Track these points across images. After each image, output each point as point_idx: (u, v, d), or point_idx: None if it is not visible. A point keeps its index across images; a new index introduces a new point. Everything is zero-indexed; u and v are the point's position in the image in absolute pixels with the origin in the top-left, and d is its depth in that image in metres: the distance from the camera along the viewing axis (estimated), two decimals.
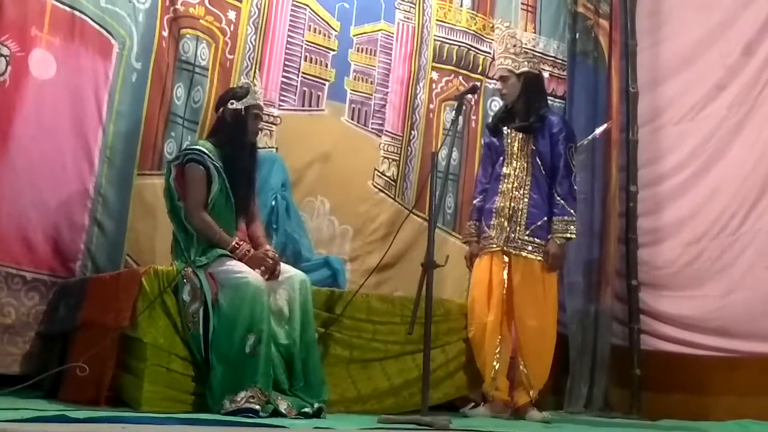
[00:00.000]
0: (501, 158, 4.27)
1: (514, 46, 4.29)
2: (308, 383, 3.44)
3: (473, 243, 4.30)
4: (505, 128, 4.27)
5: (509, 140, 4.26)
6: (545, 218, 4.12)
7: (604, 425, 4.20)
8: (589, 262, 5.09)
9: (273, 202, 4.19)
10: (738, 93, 4.97)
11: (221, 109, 3.71)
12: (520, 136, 4.22)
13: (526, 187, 4.17)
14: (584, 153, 5.07)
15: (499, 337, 4.09)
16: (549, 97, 4.75)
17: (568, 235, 4.10)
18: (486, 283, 4.16)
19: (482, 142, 4.73)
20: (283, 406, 3.25)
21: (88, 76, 3.99)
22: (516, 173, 4.20)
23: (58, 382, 3.52)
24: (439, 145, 4.87)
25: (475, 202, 4.40)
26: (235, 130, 3.65)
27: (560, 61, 5.42)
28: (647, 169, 5.33)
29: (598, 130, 4.93)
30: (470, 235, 4.34)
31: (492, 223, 4.20)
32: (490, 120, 4.61)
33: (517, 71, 4.22)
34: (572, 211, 4.12)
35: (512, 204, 4.16)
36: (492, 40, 4.98)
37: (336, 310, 3.84)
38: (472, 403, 4.17)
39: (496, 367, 4.06)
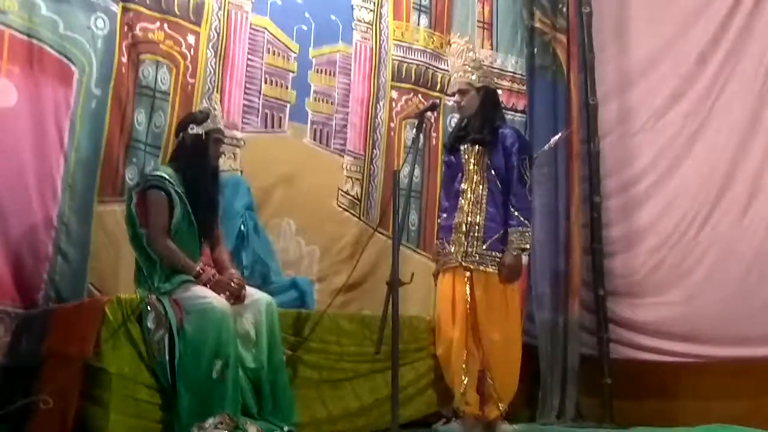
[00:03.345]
0: (460, 175, 4.30)
1: (473, 60, 4.34)
2: (277, 406, 3.43)
3: (439, 260, 4.33)
4: (461, 145, 4.30)
5: (466, 156, 4.28)
6: (502, 231, 4.14)
7: None
8: (555, 273, 5.12)
9: (242, 227, 4.17)
10: (694, 102, 5.04)
11: (181, 135, 3.70)
12: (476, 151, 4.25)
13: (483, 202, 4.19)
14: (547, 165, 5.11)
15: (466, 351, 4.11)
16: (510, 112, 4.79)
17: (524, 246, 4.13)
18: (450, 299, 4.17)
19: (442, 160, 4.77)
20: (252, 431, 3.23)
21: (48, 103, 3.94)
22: (473, 188, 4.23)
23: (24, 415, 3.45)
24: (401, 163, 4.90)
25: (439, 221, 4.44)
26: (196, 154, 3.64)
27: (519, 76, 5.47)
28: (612, 178, 5.36)
29: (554, 139, 4.97)
30: (437, 254, 4.39)
31: (452, 239, 4.23)
32: (447, 138, 4.65)
33: (477, 85, 4.27)
34: (527, 222, 4.15)
35: (469, 219, 4.19)
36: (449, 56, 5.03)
37: (303, 332, 3.82)
38: (444, 419, 4.17)
39: (465, 382, 4.07)
